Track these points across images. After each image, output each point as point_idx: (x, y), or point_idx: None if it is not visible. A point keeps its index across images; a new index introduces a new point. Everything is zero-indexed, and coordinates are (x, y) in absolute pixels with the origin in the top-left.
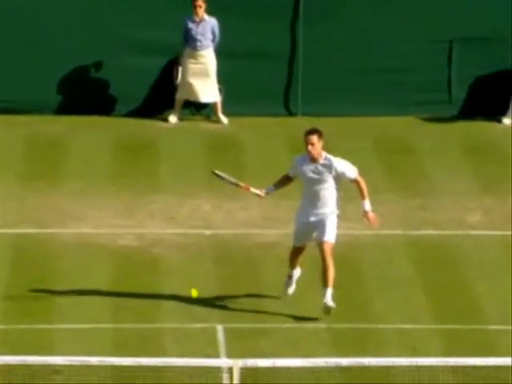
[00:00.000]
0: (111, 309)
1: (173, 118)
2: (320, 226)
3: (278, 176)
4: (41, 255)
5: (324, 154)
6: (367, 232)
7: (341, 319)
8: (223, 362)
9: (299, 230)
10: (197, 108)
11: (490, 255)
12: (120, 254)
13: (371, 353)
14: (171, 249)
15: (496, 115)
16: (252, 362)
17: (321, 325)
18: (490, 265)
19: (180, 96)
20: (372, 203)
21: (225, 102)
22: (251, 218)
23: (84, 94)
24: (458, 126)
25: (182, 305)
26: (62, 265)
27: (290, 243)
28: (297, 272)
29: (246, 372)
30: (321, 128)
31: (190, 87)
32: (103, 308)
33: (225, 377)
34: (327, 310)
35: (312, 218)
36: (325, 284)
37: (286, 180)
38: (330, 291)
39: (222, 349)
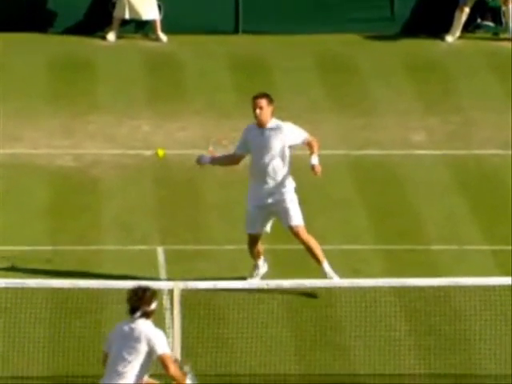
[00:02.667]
0: (49, 231)
1: (111, 36)
2: (282, 211)
3: (218, 94)
4: None
5: (274, 120)
6: (308, 152)
7: (281, 240)
8: (164, 284)
9: (253, 215)
10: (136, 26)
11: (432, 175)
12: (58, 174)
13: (312, 274)
14: (110, 169)
15: (439, 33)
16: (193, 285)
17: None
18: (432, 185)
19: (118, 13)
20: (313, 122)
21: (164, 20)
22: (192, 138)
23: (19, 11)
24: (400, 43)
25: (122, 226)
26: None
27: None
28: (262, 264)
29: (186, 294)
30: (262, 46)
31: (128, 4)
32: (41, 230)
33: (165, 299)
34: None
35: (268, 200)
36: (318, 262)
37: (230, 158)
38: (326, 264)
39: (163, 271)
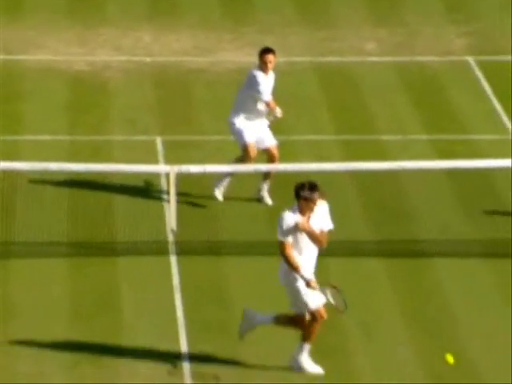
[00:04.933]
0: (67, 124)
1: None
2: (264, 132)
3: (206, 10)
4: (7, 78)
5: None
6: (279, 59)
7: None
8: (162, 168)
9: (243, 127)
10: None
11: (382, 78)
12: (75, 77)
13: (285, 160)
14: (118, 73)
15: None
16: (185, 168)
17: None
18: (382, 86)
19: None
20: (284, 34)
21: None
22: (185, 47)
23: None
24: None
25: (127, 120)
26: (26, 86)
27: (217, 68)
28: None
29: (180, 177)
30: None
31: None
32: (61, 123)
33: (163, 181)
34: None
35: (257, 129)
36: (266, 179)
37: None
38: (266, 185)
39: (161, 157)
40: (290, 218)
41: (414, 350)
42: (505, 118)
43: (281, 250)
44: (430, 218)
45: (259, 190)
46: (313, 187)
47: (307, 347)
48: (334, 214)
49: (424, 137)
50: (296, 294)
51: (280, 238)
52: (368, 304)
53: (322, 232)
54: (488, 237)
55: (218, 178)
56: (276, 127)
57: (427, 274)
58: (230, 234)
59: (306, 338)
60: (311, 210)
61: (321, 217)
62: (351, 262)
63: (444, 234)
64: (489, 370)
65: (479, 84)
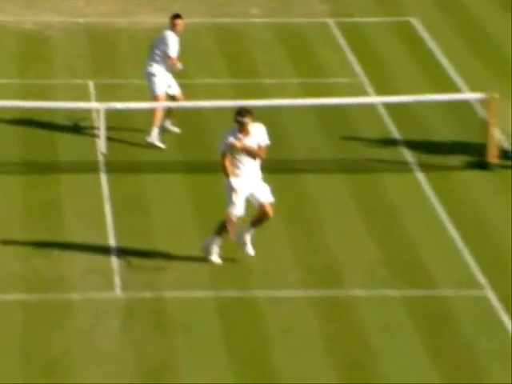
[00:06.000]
0: (18, 71)
1: None
2: (170, 81)
3: None
4: None
5: None
6: (189, 21)
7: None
8: (93, 105)
9: (159, 79)
10: None
11: (264, 35)
12: (24, 34)
13: (187, 99)
14: (58, 31)
15: None
16: (112, 105)
17: None
18: (264, 41)
19: None
20: (188, 1)
21: None
22: (110, 10)
23: None
24: None
25: (67, 68)
26: None
27: (135, 27)
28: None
29: (108, 112)
30: None
31: None
32: (13, 70)
33: (94, 115)
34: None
35: (166, 78)
36: (172, 117)
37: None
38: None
39: (93, 97)
40: (229, 136)
41: (291, 245)
42: (356, 66)
43: (220, 161)
44: (301, 143)
45: (163, 125)
46: (244, 112)
47: (216, 240)
48: None
49: (296, 80)
50: (227, 200)
51: (220, 150)
52: (253, 212)
53: (259, 147)
54: (345, 157)
55: (150, 129)
56: (181, 73)
57: (299, 187)
58: (148, 156)
59: (217, 232)
60: (246, 130)
61: (257, 135)
62: None
63: (311, 155)
64: (345, 262)
65: (336, 40)
